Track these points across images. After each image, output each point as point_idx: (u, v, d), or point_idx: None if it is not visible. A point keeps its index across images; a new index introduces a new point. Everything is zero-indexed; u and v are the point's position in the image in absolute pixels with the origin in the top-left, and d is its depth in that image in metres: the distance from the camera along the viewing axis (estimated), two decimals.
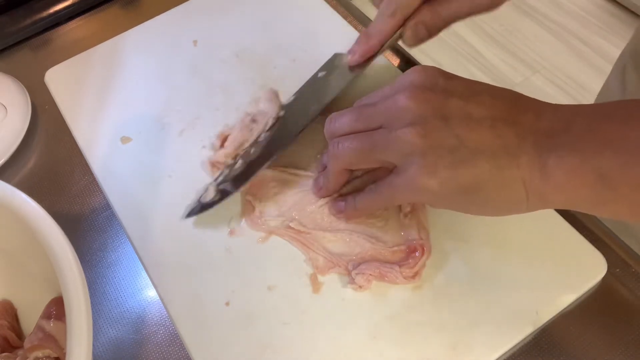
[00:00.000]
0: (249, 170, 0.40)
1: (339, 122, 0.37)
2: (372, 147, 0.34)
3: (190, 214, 0.40)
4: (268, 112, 0.44)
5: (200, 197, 0.41)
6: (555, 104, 0.33)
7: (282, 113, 0.44)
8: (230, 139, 0.44)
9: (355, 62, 0.42)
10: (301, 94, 0.45)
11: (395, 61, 0.51)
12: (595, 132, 0.30)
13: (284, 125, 0.43)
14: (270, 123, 0.44)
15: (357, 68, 0.43)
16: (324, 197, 0.40)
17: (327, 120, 0.38)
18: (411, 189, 0.33)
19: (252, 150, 0.42)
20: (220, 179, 0.41)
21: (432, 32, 0.41)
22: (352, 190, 0.40)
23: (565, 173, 0.30)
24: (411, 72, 0.35)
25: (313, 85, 0.45)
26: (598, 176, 0.29)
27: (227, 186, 0.40)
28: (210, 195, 0.40)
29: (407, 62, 0.51)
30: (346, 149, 0.35)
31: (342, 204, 0.39)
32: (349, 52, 0.42)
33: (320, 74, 0.45)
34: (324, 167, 0.40)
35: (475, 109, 0.32)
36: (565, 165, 0.30)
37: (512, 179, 0.31)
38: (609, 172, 0.29)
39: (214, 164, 0.43)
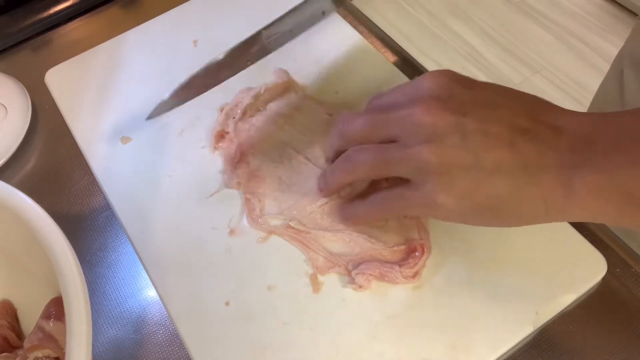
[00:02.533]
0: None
1: (351, 126, 0.36)
2: (385, 162, 0.34)
3: (150, 116, 0.41)
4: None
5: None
6: (574, 112, 0.32)
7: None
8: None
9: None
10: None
11: (392, 58, 0.51)
12: (623, 152, 0.29)
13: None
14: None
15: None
16: (325, 197, 0.40)
17: (340, 119, 0.37)
18: (425, 205, 0.32)
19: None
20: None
21: None
22: (353, 193, 0.40)
23: (590, 191, 0.29)
24: (427, 79, 0.33)
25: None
26: (625, 195, 0.28)
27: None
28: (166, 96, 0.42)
29: (405, 61, 0.51)
30: (359, 162, 0.35)
31: (343, 212, 0.39)
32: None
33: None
34: (327, 160, 0.40)
35: (493, 126, 0.31)
36: (590, 183, 0.29)
37: (532, 197, 0.30)
38: (637, 192, 0.28)
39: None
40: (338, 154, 0.37)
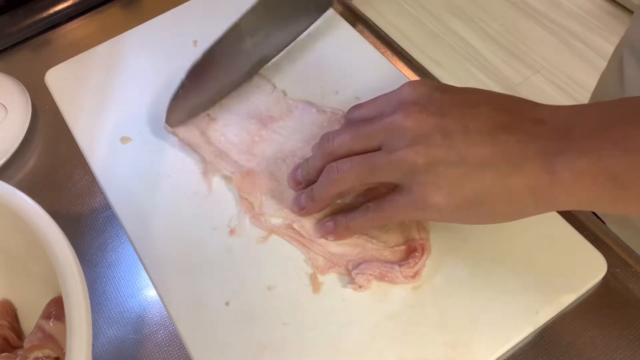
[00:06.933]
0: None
1: (336, 141, 0.36)
2: (372, 170, 0.34)
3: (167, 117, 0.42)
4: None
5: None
6: (554, 106, 0.32)
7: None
8: None
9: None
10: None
11: (392, 58, 0.51)
12: (601, 133, 0.29)
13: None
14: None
15: None
16: (305, 217, 0.39)
17: (323, 138, 0.37)
18: (416, 207, 0.33)
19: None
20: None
21: None
22: (336, 209, 0.39)
23: (574, 176, 0.29)
24: (406, 89, 0.35)
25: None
26: (608, 177, 0.29)
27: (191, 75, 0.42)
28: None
29: (405, 61, 0.51)
30: (346, 173, 0.35)
31: (331, 224, 0.38)
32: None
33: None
34: (299, 183, 0.39)
35: (473, 122, 0.32)
36: (573, 168, 0.29)
37: (517, 188, 0.31)
38: (620, 172, 0.29)
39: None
40: (319, 173, 0.37)
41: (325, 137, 0.37)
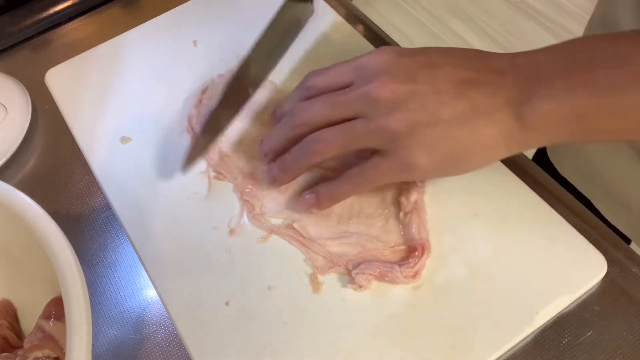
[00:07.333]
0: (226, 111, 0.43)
1: (311, 111, 0.37)
2: (355, 138, 0.36)
3: (184, 167, 0.42)
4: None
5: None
6: (511, 54, 0.35)
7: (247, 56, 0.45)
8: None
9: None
10: (262, 38, 0.46)
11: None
12: (565, 77, 0.32)
13: (250, 66, 0.45)
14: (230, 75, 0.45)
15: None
16: (279, 187, 0.40)
17: (296, 108, 0.38)
18: (401, 169, 0.35)
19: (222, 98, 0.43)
20: (198, 128, 0.43)
21: None
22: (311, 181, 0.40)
23: (543, 119, 0.32)
24: (372, 58, 0.37)
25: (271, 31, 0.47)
26: (576, 116, 0.31)
27: (205, 130, 0.42)
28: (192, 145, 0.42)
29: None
30: (328, 143, 0.36)
31: (311, 196, 0.39)
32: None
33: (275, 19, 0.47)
34: (266, 154, 0.40)
35: (441, 83, 0.34)
36: (541, 111, 0.32)
37: (491, 136, 0.33)
38: (587, 111, 0.31)
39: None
40: (292, 143, 0.38)
41: (298, 108, 0.38)
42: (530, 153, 0.65)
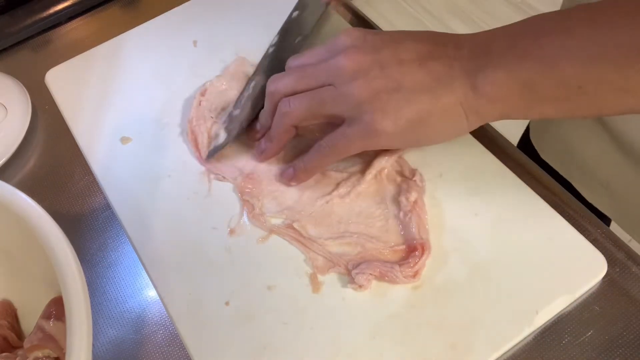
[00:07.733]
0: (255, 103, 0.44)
1: (282, 82, 0.39)
2: (322, 102, 0.37)
3: (209, 155, 0.43)
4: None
5: (213, 143, 0.44)
6: (472, 34, 0.36)
7: (270, 50, 0.48)
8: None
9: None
10: (282, 33, 0.49)
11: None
12: (514, 48, 0.33)
13: (277, 58, 0.47)
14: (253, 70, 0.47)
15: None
16: (266, 160, 0.42)
17: (269, 81, 0.40)
18: (367, 135, 0.36)
19: (251, 91, 0.45)
20: (227, 121, 0.44)
21: None
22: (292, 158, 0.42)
23: (494, 87, 0.34)
24: (342, 36, 0.39)
25: (290, 24, 0.50)
26: (522, 84, 0.33)
27: (233, 127, 0.43)
28: (221, 138, 0.43)
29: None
30: (298, 105, 0.38)
31: (290, 170, 0.41)
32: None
33: (294, 14, 0.50)
34: (257, 132, 0.43)
35: (404, 54, 0.36)
36: (492, 80, 0.33)
37: (450, 104, 0.35)
38: (532, 79, 0.33)
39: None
40: (273, 115, 0.40)
41: (271, 80, 0.40)
42: (515, 140, 0.66)
